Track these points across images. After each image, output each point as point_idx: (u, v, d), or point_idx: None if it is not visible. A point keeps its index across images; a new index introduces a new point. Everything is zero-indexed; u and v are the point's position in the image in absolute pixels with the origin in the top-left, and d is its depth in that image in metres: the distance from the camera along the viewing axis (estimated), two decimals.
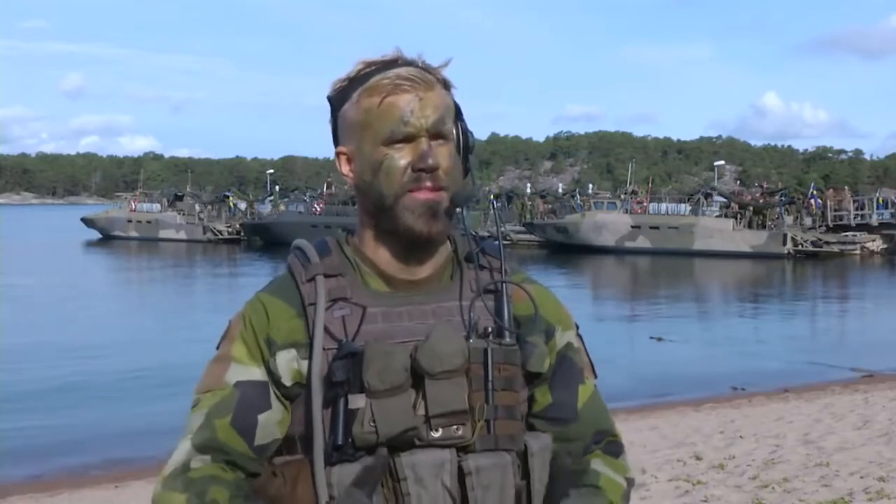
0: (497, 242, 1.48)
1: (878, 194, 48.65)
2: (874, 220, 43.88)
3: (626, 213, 46.43)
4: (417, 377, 1.31)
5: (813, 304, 26.85)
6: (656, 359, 15.95)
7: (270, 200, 59.28)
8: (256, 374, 1.38)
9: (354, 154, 1.41)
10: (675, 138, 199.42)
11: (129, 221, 56.49)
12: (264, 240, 50.64)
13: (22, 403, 12.02)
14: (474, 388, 1.33)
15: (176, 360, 14.27)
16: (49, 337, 17.73)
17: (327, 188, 58.22)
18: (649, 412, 11.14)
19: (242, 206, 57.77)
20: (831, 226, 43.74)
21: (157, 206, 57.01)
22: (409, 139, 1.36)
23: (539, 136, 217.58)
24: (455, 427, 1.32)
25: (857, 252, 42.24)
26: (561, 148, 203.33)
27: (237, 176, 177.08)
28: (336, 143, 1.46)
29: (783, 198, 46.35)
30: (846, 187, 52.31)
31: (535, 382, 1.43)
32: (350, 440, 1.29)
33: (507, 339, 1.37)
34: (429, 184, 1.36)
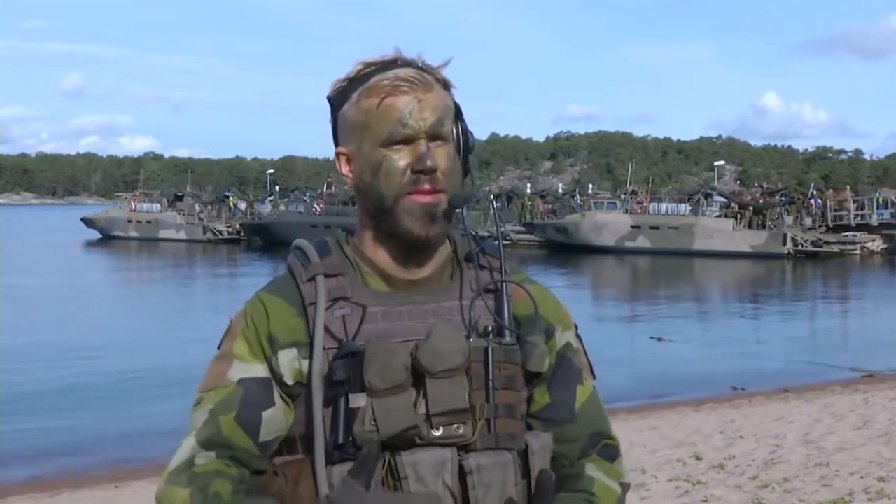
0: (497, 242, 1.48)
1: (878, 194, 48.68)
2: (874, 220, 43.90)
3: (626, 213, 46.43)
4: (418, 376, 1.31)
5: (813, 304, 26.85)
6: (656, 359, 15.95)
7: (270, 200, 59.29)
8: (259, 371, 1.38)
9: (354, 155, 1.41)
10: (675, 138, 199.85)
11: (129, 221, 56.50)
12: (264, 240, 50.65)
13: (22, 404, 12.02)
14: (475, 386, 1.33)
15: (176, 361, 14.27)
16: (49, 337, 17.73)
17: (327, 188, 58.23)
18: (649, 412, 11.14)
19: (242, 206, 57.78)
20: (831, 226, 43.75)
21: (157, 206, 57.01)
22: (407, 141, 1.36)
23: (539, 136, 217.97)
24: (456, 426, 1.32)
25: (857, 252, 42.25)
26: (561, 148, 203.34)
27: (237, 176, 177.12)
28: (336, 143, 1.46)
29: (783, 198, 46.36)
30: (848, 187, 52.24)
31: (534, 382, 1.43)
32: (351, 439, 1.29)
33: (508, 339, 1.37)
34: (427, 186, 1.36)
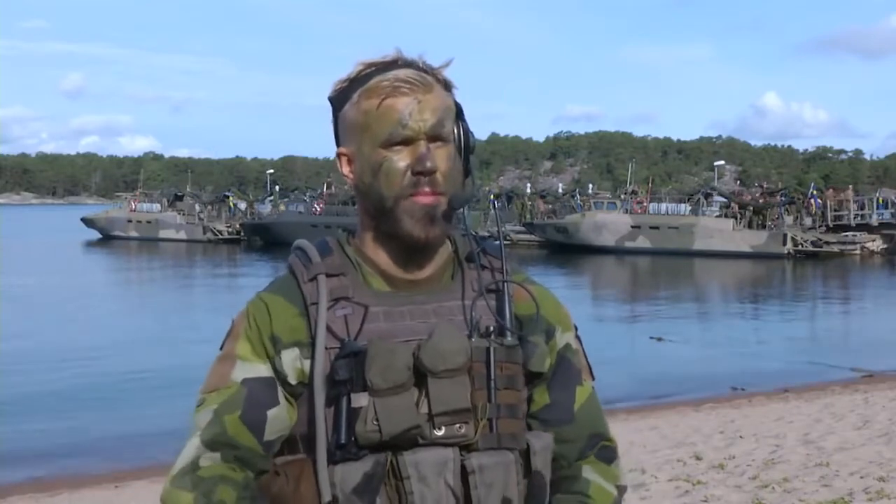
0: (497, 242, 1.48)
1: (878, 194, 48.65)
2: (874, 220, 43.91)
3: (626, 213, 46.44)
4: (420, 376, 1.31)
5: (813, 304, 26.85)
6: (656, 359, 15.95)
7: (270, 200, 59.31)
8: (262, 370, 1.38)
9: (355, 155, 1.41)
10: (675, 138, 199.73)
11: (129, 221, 56.51)
12: (264, 240, 50.66)
13: (22, 404, 12.02)
14: (477, 386, 1.33)
15: (176, 361, 14.29)
16: (49, 337, 17.74)
17: (327, 188, 58.26)
18: (649, 412, 11.15)
19: (242, 206, 57.80)
20: (831, 226, 43.77)
21: (157, 206, 57.03)
22: (407, 142, 1.36)
23: (539, 136, 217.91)
24: (458, 425, 1.32)
25: (857, 252, 42.26)
26: (561, 148, 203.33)
27: (237, 176, 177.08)
28: (338, 143, 1.46)
29: (783, 198, 46.37)
30: (850, 186, 52.26)
31: (534, 382, 1.44)
32: (353, 439, 1.30)
33: (509, 339, 1.37)
34: (427, 188, 1.36)
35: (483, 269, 1.45)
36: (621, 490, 1.48)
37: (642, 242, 44.19)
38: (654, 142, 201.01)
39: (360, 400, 1.29)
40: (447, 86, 1.43)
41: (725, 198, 47.77)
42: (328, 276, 1.39)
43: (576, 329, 1.53)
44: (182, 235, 54.36)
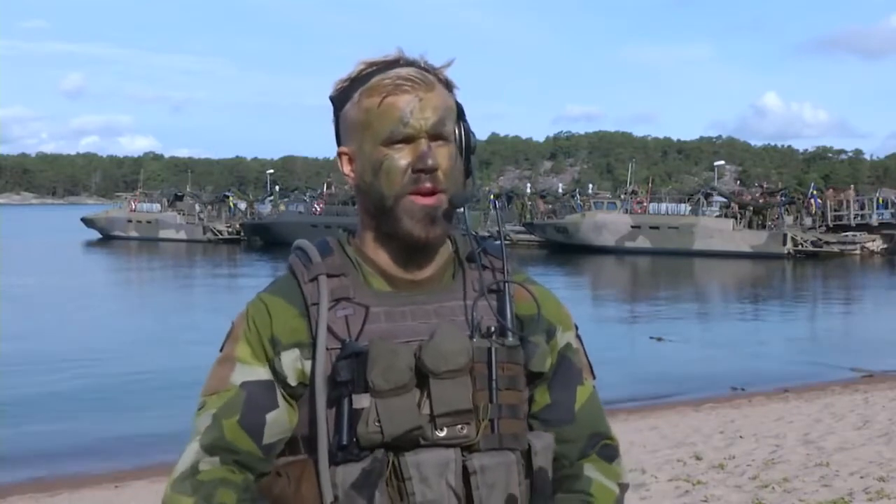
0: (498, 242, 1.48)
1: (878, 194, 48.65)
2: (874, 220, 43.91)
3: (626, 213, 46.46)
4: (422, 376, 1.31)
5: (813, 304, 26.86)
6: (656, 359, 15.95)
7: (270, 200, 59.33)
8: (262, 373, 1.37)
9: (356, 154, 1.41)
10: (675, 138, 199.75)
11: (129, 221, 56.53)
12: (264, 240, 50.67)
13: (21, 404, 12.02)
14: (478, 387, 1.33)
15: (176, 362, 14.30)
16: (49, 338, 17.74)
17: (327, 188, 58.27)
18: (649, 412, 11.15)
19: (242, 206, 57.81)
20: (831, 226, 43.77)
21: (157, 206, 57.04)
22: (408, 140, 1.36)
23: (539, 136, 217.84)
24: (460, 426, 1.32)
25: (857, 252, 42.27)
26: (561, 148, 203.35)
27: (237, 176, 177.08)
28: (339, 143, 1.46)
29: (783, 197, 46.38)
30: (852, 186, 52.28)
31: (535, 382, 1.43)
32: (355, 440, 1.29)
33: (510, 339, 1.37)
34: (428, 185, 1.36)
35: (484, 269, 1.45)
36: (623, 488, 1.48)
37: (642, 242, 44.20)
38: (654, 142, 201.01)
39: (362, 401, 1.29)
40: (448, 85, 1.42)
41: (725, 198, 47.78)
42: (329, 276, 1.39)
43: (576, 328, 1.53)
44: (182, 235, 54.36)
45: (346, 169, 1.43)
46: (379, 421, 1.29)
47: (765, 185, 58.01)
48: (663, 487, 6.46)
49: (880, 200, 45.81)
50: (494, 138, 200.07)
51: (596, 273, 37.60)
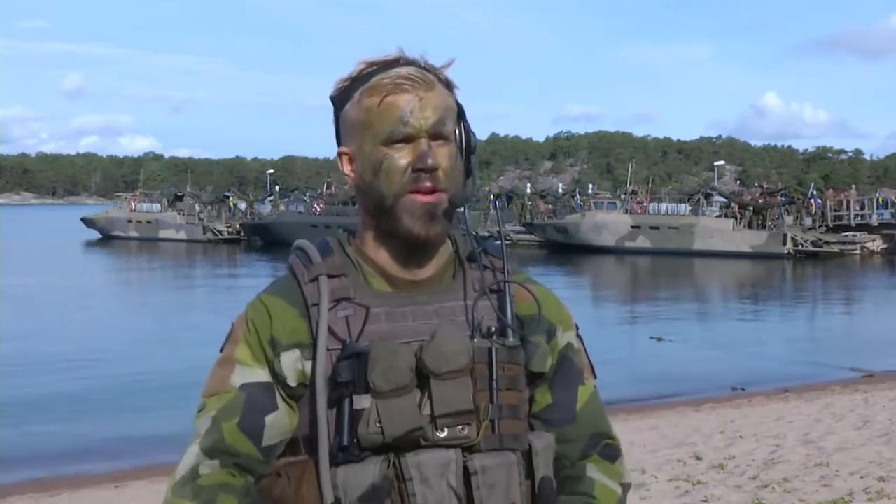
0: (499, 242, 1.48)
1: (878, 194, 48.64)
2: (874, 220, 43.91)
3: (626, 213, 46.45)
4: (422, 377, 1.31)
5: (813, 304, 26.86)
6: (656, 359, 15.95)
7: (270, 200, 59.33)
8: (261, 375, 1.37)
9: (356, 154, 1.41)
10: (675, 138, 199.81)
11: (129, 221, 56.54)
12: (264, 240, 50.67)
13: (21, 405, 12.01)
14: (479, 387, 1.33)
15: (176, 362, 14.30)
16: (49, 338, 17.74)
17: (327, 188, 58.25)
18: (649, 412, 11.15)
19: (242, 206, 57.81)
20: (831, 226, 43.77)
21: (157, 206, 57.04)
22: (408, 139, 1.36)
23: (539, 136, 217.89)
24: (460, 427, 1.32)
25: (857, 252, 42.27)
26: (561, 148, 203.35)
27: (237, 176, 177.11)
28: (339, 143, 1.46)
29: (783, 197, 46.38)
30: (853, 187, 52.26)
31: (536, 383, 1.43)
32: (355, 440, 1.29)
33: (511, 339, 1.36)
34: (428, 184, 1.36)
35: (484, 269, 1.45)
36: (626, 488, 1.48)
37: (642, 242, 44.20)
38: (654, 142, 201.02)
39: (363, 402, 1.29)
40: (449, 85, 1.42)
41: (725, 198, 47.78)
42: (329, 276, 1.39)
43: (577, 328, 1.53)
44: (182, 235, 54.36)
45: (347, 169, 1.43)
46: (380, 422, 1.28)
47: (765, 185, 58.03)
48: (663, 487, 6.46)
49: (880, 200, 45.80)
50: (494, 138, 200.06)
51: (596, 273, 37.60)
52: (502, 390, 1.33)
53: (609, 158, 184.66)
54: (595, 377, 1.54)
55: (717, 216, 45.12)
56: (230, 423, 1.35)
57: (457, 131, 1.41)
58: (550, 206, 54.52)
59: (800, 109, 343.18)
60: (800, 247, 41.76)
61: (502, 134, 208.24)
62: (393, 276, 1.42)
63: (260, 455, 1.36)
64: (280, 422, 1.37)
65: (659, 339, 17.67)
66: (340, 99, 1.43)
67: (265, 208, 57.80)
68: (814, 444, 7.86)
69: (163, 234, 54.72)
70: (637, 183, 57.06)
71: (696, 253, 41.75)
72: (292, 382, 1.37)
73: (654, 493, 6.31)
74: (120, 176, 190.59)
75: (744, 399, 11.94)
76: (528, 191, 67.87)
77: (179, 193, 59.99)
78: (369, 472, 1.29)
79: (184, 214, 55.56)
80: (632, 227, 44.84)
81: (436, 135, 1.37)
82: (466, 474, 1.31)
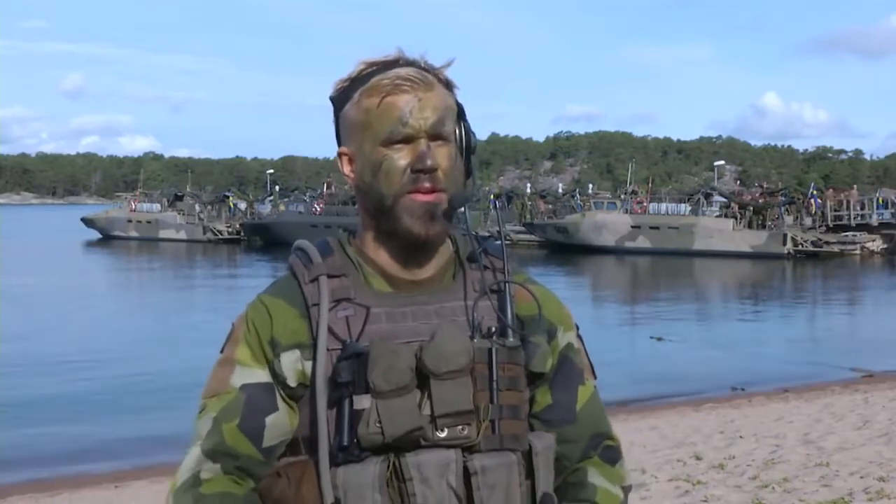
0: (499, 243, 1.48)
1: (878, 194, 48.63)
2: (874, 220, 43.90)
3: (626, 213, 46.44)
4: (422, 377, 1.31)
5: (813, 304, 26.86)
6: (656, 359, 15.95)
7: (270, 200, 59.33)
8: (261, 376, 1.37)
9: (356, 155, 1.41)
10: (675, 138, 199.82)
11: (129, 221, 56.53)
12: (264, 240, 50.67)
13: (21, 405, 12.01)
14: (479, 388, 1.32)
15: (176, 362, 14.30)
16: (49, 338, 17.73)
17: (327, 188, 58.25)
18: (649, 412, 11.15)
19: (242, 206, 57.80)
20: (831, 226, 43.77)
21: (157, 206, 57.04)
22: (408, 140, 1.36)
23: (539, 136, 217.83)
24: (460, 427, 1.32)
25: (857, 252, 42.27)
26: (561, 148, 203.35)
27: (237, 176, 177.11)
28: (339, 143, 1.46)
29: (783, 197, 46.38)
30: (854, 187, 52.21)
31: (536, 383, 1.43)
32: (355, 441, 1.29)
33: (511, 339, 1.36)
34: (427, 185, 1.36)
35: (485, 269, 1.45)
36: (626, 490, 1.48)
37: (642, 242, 44.20)
38: (654, 142, 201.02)
39: (363, 402, 1.29)
40: (448, 85, 1.42)
41: (725, 198, 47.77)
42: (329, 276, 1.39)
43: (577, 328, 1.53)
44: (182, 235, 54.36)
45: (347, 169, 1.43)
46: (380, 422, 1.28)
47: (765, 185, 58.02)
48: (663, 487, 6.46)
49: (880, 200, 45.79)
50: (494, 138, 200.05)
51: (596, 273, 37.60)
52: (502, 390, 1.33)
53: (609, 158, 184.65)
54: (595, 377, 1.53)
55: (717, 216, 45.11)
56: (230, 424, 1.35)
57: (457, 131, 1.41)
58: (550, 206, 54.51)
59: (800, 109, 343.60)
60: (800, 247, 41.76)
61: (502, 134, 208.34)
62: (393, 277, 1.42)
63: (261, 456, 1.36)
64: (280, 422, 1.37)
65: (659, 339, 17.67)
66: (340, 99, 1.43)
67: (265, 208, 57.80)
68: (814, 444, 7.86)
69: (163, 234, 54.71)
70: (637, 183, 57.03)
71: (696, 253, 41.74)
72: (292, 383, 1.37)
73: (654, 493, 6.31)
74: (120, 176, 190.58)
75: (744, 399, 11.94)
76: (528, 191, 67.85)
77: (179, 193, 59.98)
78: (369, 472, 1.29)
79: (184, 214, 55.56)
80: (632, 227, 44.83)
81: (435, 135, 1.37)
82: (466, 474, 1.31)
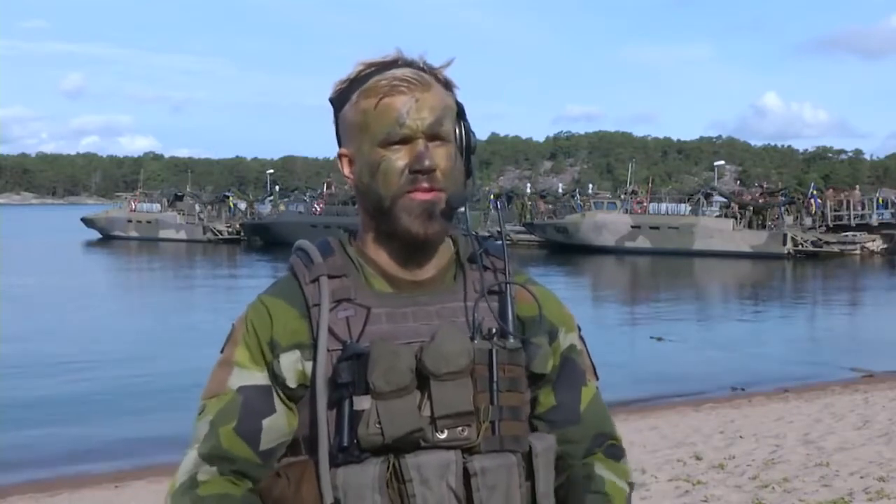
0: (500, 243, 1.48)
1: (878, 194, 48.61)
2: (874, 220, 43.88)
3: (626, 213, 46.42)
4: (422, 378, 1.31)
5: (813, 304, 26.86)
6: (656, 359, 15.94)
7: (270, 200, 59.31)
8: (259, 378, 1.37)
9: (355, 156, 1.41)
10: (675, 138, 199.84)
11: (129, 221, 56.51)
12: (264, 240, 50.65)
13: (21, 405, 12.01)
14: (479, 389, 1.33)
15: (176, 362, 14.31)
16: (49, 338, 17.72)
17: (327, 188, 58.24)
18: (649, 412, 11.15)
19: (242, 206, 57.76)
20: (831, 226, 43.75)
21: (157, 206, 57.01)
22: (405, 141, 1.36)
23: (539, 136, 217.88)
24: (460, 428, 1.31)
25: (857, 252, 42.25)
26: (561, 148, 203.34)
27: (237, 176, 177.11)
28: (339, 144, 1.46)
29: (783, 197, 46.36)
30: (857, 187, 52.19)
31: (537, 384, 1.43)
32: (355, 441, 1.29)
33: (512, 341, 1.36)
34: (426, 185, 1.35)
35: (485, 269, 1.45)
36: (631, 487, 1.48)
37: (642, 242, 44.18)
38: (654, 142, 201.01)
39: (363, 403, 1.29)
40: (447, 85, 1.42)
41: (725, 198, 47.75)
42: (330, 277, 1.39)
43: (579, 329, 1.53)
44: (182, 235, 54.34)
45: (347, 170, 1.43)
46: (379, 423, 1.28)
47: (765, 185, 58.00)
48: (663, 487, 6.46)
49: (880, 200, 45.77)
50: (494, 138, 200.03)
51: (596, 273, 37.58)
52: (503, 392, 1.33)
53: (609, 158, 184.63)
54: (597, 378, 1.54)
55: (717, 216, 45.08)
56: (227, 427, 1.35)
57: (456, 131, 1.41)
58: (550, 206, 54.48)
59: (800, 109, 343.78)
60: (800, 247, 41.74)
61: (502, 134, 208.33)
62: (394, 277, 1.42)
63: (258, 459, 1.36)
64: (277, 425, 1.37)
65: (659, 339, 17.67)
66: (339, 101, 1.43)
67: (265, 208, 57.78)
68: (814, 444, 7.86)
69: (163, 234, 54.69)
70: (637, 183, 57.00)
71: (696, 253, 41.73)
72: (292, 383, 1.36)
73: (654, 493, 6.31)
74: (120, 176, 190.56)
75: (744, 399, 11.94)
76: (528, 191, 67.82)
77: (179, 193, 59.94)
78: (369, 473, 1.29)
79: (184, 214, 55.53)
80: (632, 227, 44.82)
81: (433, 135, 1.36)
82: (466, 476, 1.31)
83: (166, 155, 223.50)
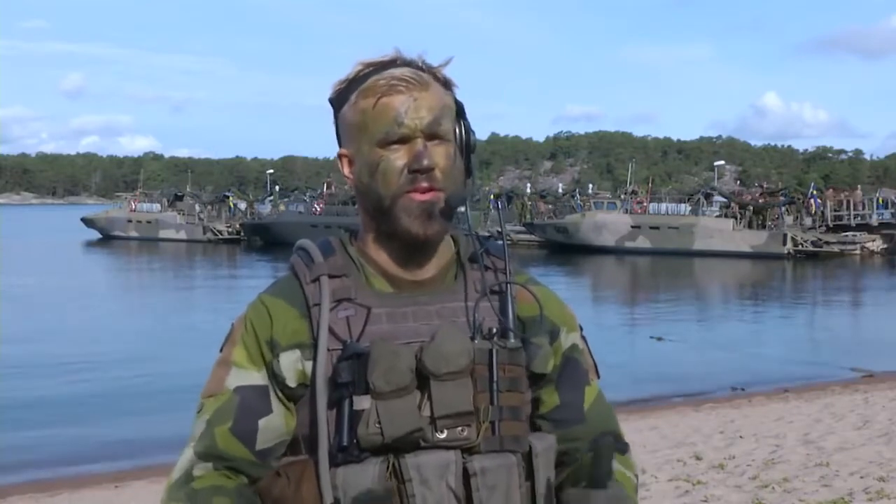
0: (500, 243, 1.48)
1: (878, 194, 48.60)
2: (874, 220, 43.89)
3: (626, 213, 46.43)
4: (422, 378, 1.31)
5: (813, 304, 26.85)
6: (656, 359, 15.94)
7: (270, 200, 59.32)
8: (256, 378, 1.37)
9: (354, 156, 1.41)
10: (675, 138, 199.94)
11: (129, 221, 56.51)
12: (264, 240, 50.66)
13: (21, 405, 12.00)
14: (479, 389, 1.32)
15: (176, 362, 14.30)
16: (49, 338, 17.72)
17: (327, 188, 58.26)
18: (649, 412, 11.15)
19: (242, 206, 57.78)
20: (831, 226, 43.75)
21: (157, 206, 57.02)
22: (404, 140, 1.36)
23: (539, 136, 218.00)
24: (460, 428, 1.31)
25: (857, 252, 42.25)
26: (561, 148, 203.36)
27: (237, 176, 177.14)
28: (339, 145, 1.46)
29: (783, 197, 46.36)
30: (858, 187, 52.19)
31: (539, 384, 1.43)
32: (355, 441, 1.29)
33: (512, 341, 1.36)
34: (425, 184, 1.35)
35: (486, 269, 1.45)
36: (636, 479, 1.49)
37: (642, 242, 44.18)
38: (654, 142, 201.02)
39: (363, 402, 1.29)
40: (447, 84, 1.42)
41: (725, 198, 47.75)
42: (331, 276, 1.39)
43: (581, 329, 1.53)
44: (182, 235, 54.35)
45: (346, 171, 1.43)
46: (379, 422, 1.28)
47: (765, 185, 58.02)
48: (663, 487, 6.46)
49: (880, 200, 45.78)
50: (494, 138, 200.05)
51: (596, 273, 37.58)
52: (503, 392, 1.33)
53: (609, 158, 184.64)
54: (599, 377, 1.54)
55: (717, 216, 45.09)
56: (222, 427, 1.35)
57: (456, 130, 1.41)
58: (550, 206, 54.51)
59: (800, 109, 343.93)
60: (800, 247, 41.74)
61: (502, 134, 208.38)
62: (394, 277, 1.41)
63: (255, 458, 1.36)
64: (274, 425, 1.36)
65: (659, 339, 17.67)
66: (338, 101, 1.43)
67: (265, 208, 57.79)
68: (814, 444, 7.86)
69: (163, 234, 54.69)
70: (637, 183, 57.00)
71: (696, 253, 41.73)
72: (292, 383, 1.36)
73: (654, 493, 6.31)
74: (120, 176, 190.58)
75: (744, 399, 11.94)
76: (528, 191, 67.83)
77: (179, 193, 59.95)
78: (369, 472, 1.29)
79: (184, 214, 55.54)
80: (632, 227, 44.82)
81: (431, 135, 1.36)
82: (466, 476, 1.31)
83: (166, 155, 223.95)
